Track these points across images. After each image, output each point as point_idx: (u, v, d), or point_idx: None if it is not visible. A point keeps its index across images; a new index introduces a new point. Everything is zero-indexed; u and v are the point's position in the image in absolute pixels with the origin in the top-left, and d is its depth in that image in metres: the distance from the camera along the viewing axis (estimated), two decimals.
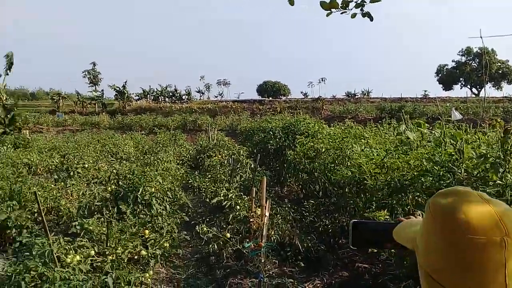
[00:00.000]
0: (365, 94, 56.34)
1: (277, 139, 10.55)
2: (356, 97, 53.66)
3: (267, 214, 5.70)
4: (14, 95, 37.43)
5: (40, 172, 13.25)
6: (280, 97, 56.19)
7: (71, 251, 4.97)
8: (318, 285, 5.21)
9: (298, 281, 5.37)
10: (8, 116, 26.07)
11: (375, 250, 4.70)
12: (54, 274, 4.18)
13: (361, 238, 1.40)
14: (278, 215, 6.49)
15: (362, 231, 1.40)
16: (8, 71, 25.51)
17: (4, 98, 26.58)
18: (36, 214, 7.75)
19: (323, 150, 7.33)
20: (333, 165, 6.83)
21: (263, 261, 5.44)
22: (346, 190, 6.26)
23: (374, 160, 5.62)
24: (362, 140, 7.57)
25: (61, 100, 48.01)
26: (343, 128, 9.00)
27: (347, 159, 6.70)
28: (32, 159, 13.78)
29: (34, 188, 8.42)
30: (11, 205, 7.46)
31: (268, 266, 5.65)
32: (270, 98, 52.29)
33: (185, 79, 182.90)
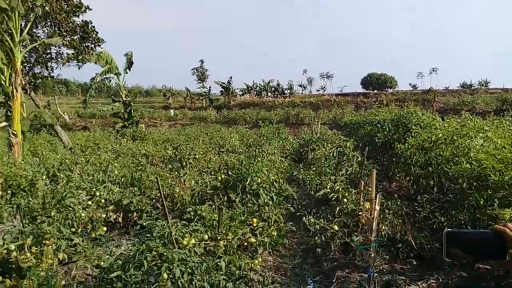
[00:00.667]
0: (483, 85, 51.58)
1: (385, 132, 10.15)
2: (473, 88, 49.40)
3: (377, 208, 5.52)
4: (131, 92, 40.93)
5: (155, 162, 14.27)
6: (386, 89, 53.89)
7: (187, 235, 5.28)
8: (433, 284, 4.91)
9: (410, 279, 5.12)
10: (127, 111, 28.58)
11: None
12: (172, 255, 4.45)
13: (456, 248, 1.31)
14: (389, 210, 6.24)
15: (457, 241, 1.31)
16: (128, 70, 27.93)
17: (124, 95, 29.14)
18: (153, 200, 8.39)
19: (440, 142, 6.89)
20: (451, 158, 6.39)
21: (372, 255, 5.28)
22: (465, 185, 5.81)
23: (498, 154, 5.14)
24: (481, 133, 6.99)
25: (172, 97, 51.30)
26: (459, 120, 8.37)
27: (466, 152, 6.23)
28: (148, 150, 14.90)
29: (152, 176, 9.11)
30: (133, 191, 8.15)
31: (378, 262, 5.47)
32: (376, 91, 50.38)
33: (288, 73, 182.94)
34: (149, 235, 5.28)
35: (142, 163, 11.49)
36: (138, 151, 14.74)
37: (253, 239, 5.77)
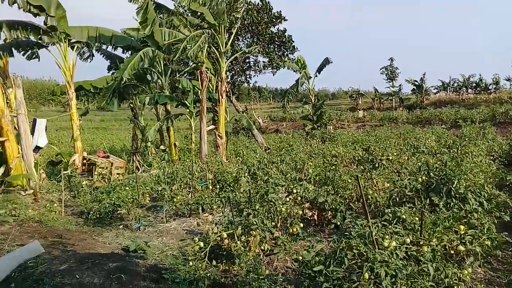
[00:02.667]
0: None
1: None
2: None
3: None
4: (318, 96, 42.03)
5: (345, 163, 14.27)
6: None
7: (386, 236, 5.07)
8: None
9: None
10: (317, 113, 29.42)
11: None
12: (375, 255, 4.33)
13: None
14: None
15: None
16: (318, 73, 28.70)
17: (313, 99, 30.08)
18: (347, 200, 8.36)
19: None
20: None
21: None
22: None
23: None
24: None
25: (359, 98, 50.84)
26: None
27: None
28: (338, 151, 14.98)
29: (345, 176, 9.09)
30: (327, 190, 8.25)
31: None
32: None
33: (492, 67, 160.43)
34: (347, 234, 5.25)
35: (335, 163, 11.59)
36: (328, 151, 14.96)
37: (461, 247, 5.23)
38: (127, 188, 9.75)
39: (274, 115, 47.24)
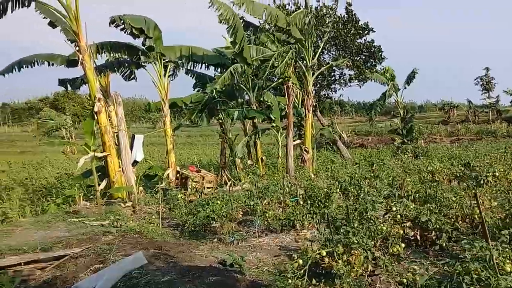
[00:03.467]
0: None
1: None
2: None
3: None
4: (404, 108, 40.40)
5: (442, 179, 13.37)
6: None
7: (507, 260, 4.60)
8: None
9: None
10: (406, 127, 28.21)
11: None
12: (498, 281, 3.92)
13: None
14: None
15: None
16: (407, 85, 27.53)
17: (402, 112, 28.92)
18: (452, 220, 7.76)
19: None
20: None
21: None
22: None
23: None
24: None
25: (452, 110, 48.03)
26: None
27: None
28: (435, 167, 14.11)
29: (449, 194, 8.48)
30: (430, 208, 7.72)
31: None
32: None
33: None
34: (462, 256, 4.85)
35: (437, 179, 10.92)
36: (424, 167, 14.17)
37: None
38: (218, 202, 9.89)
39: (358, 129, 46.16)
